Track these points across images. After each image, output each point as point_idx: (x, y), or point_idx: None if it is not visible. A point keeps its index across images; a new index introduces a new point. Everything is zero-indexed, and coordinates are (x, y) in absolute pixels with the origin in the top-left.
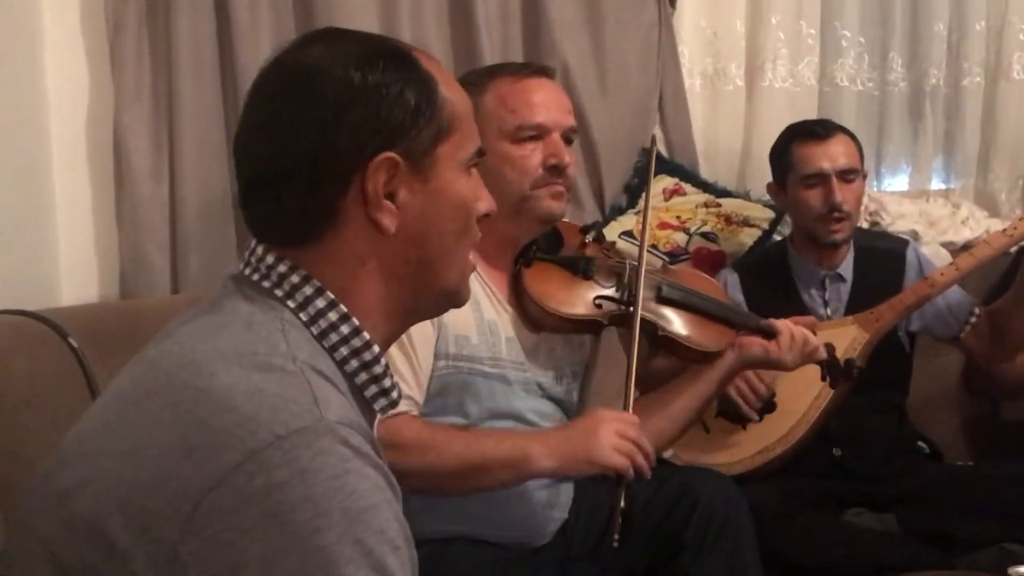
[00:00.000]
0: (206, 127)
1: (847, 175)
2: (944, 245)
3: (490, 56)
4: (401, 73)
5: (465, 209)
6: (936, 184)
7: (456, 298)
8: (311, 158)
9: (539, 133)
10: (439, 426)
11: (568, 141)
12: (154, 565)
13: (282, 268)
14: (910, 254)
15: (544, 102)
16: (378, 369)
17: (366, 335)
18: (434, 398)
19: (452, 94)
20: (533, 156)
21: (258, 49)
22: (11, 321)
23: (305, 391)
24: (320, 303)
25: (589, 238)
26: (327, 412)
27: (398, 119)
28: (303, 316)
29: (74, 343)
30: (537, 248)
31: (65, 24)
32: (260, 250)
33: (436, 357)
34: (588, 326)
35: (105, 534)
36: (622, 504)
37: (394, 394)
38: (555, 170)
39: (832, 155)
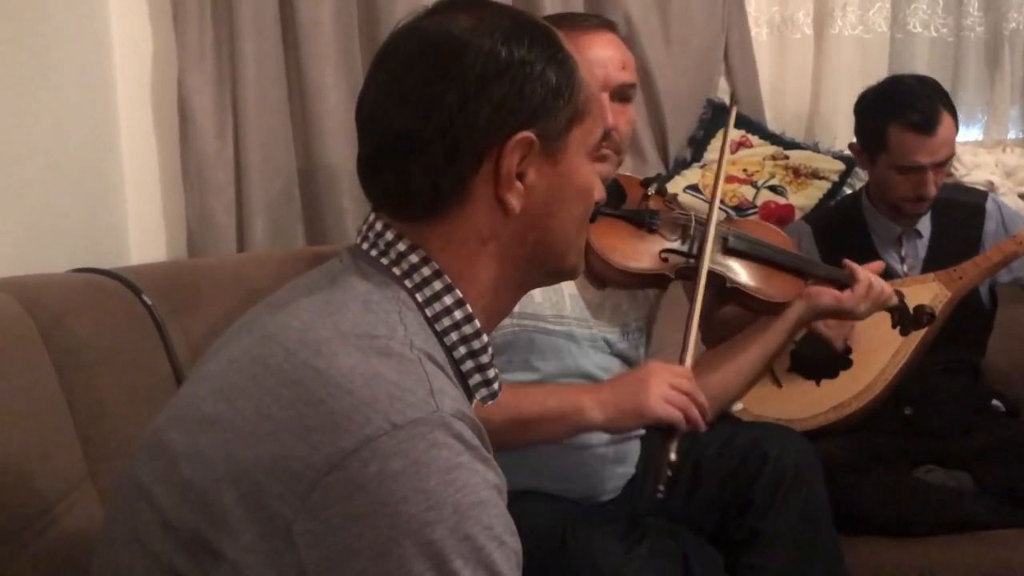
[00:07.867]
0: (268, 88)
1: (942, 164)
2: (1022, 196)
3: (550, 7)
4: (546, 51)
5: (588, 196)
6: (1014, 133)
7: (573, 274)
8: (449, 132)
9: None
10: None
11: (624, 99)
12: (265, 541)
13: (401, 246)
14: (990, 205)
15: (594, 60)
16: (484, 358)
17: (477, 323)
18: (497, 355)
19: (588, 76)
20: None
21: (319, 10)
22: (86, 279)
23: (422, 381)
24: (437, 285)
25: (651, 191)
26: (442, 404)
27: (539, 98)
28: (419, 297)
29: (148, 300)
30: (600, 203)
31: None
32: (379, 225)
33: None
34: (654, 280)
35: (217, 506)
36: (672, 457)
37: (495, 385)
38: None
39: (934, 150)
